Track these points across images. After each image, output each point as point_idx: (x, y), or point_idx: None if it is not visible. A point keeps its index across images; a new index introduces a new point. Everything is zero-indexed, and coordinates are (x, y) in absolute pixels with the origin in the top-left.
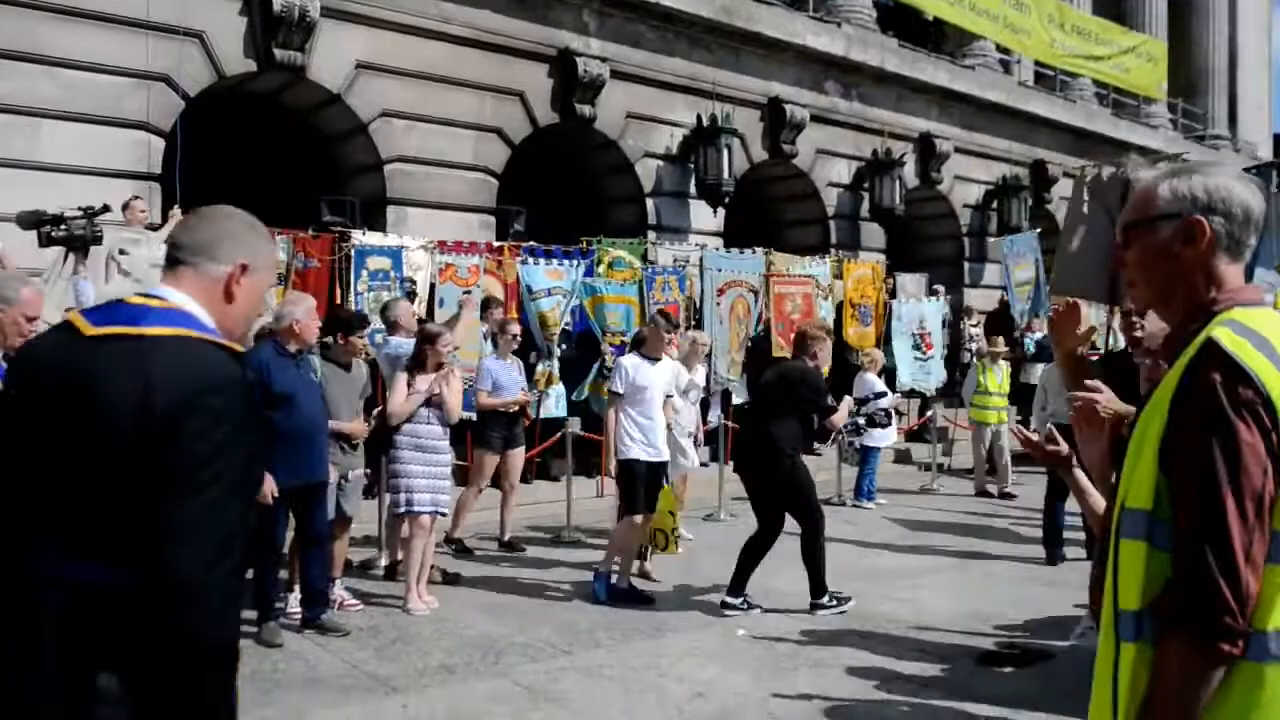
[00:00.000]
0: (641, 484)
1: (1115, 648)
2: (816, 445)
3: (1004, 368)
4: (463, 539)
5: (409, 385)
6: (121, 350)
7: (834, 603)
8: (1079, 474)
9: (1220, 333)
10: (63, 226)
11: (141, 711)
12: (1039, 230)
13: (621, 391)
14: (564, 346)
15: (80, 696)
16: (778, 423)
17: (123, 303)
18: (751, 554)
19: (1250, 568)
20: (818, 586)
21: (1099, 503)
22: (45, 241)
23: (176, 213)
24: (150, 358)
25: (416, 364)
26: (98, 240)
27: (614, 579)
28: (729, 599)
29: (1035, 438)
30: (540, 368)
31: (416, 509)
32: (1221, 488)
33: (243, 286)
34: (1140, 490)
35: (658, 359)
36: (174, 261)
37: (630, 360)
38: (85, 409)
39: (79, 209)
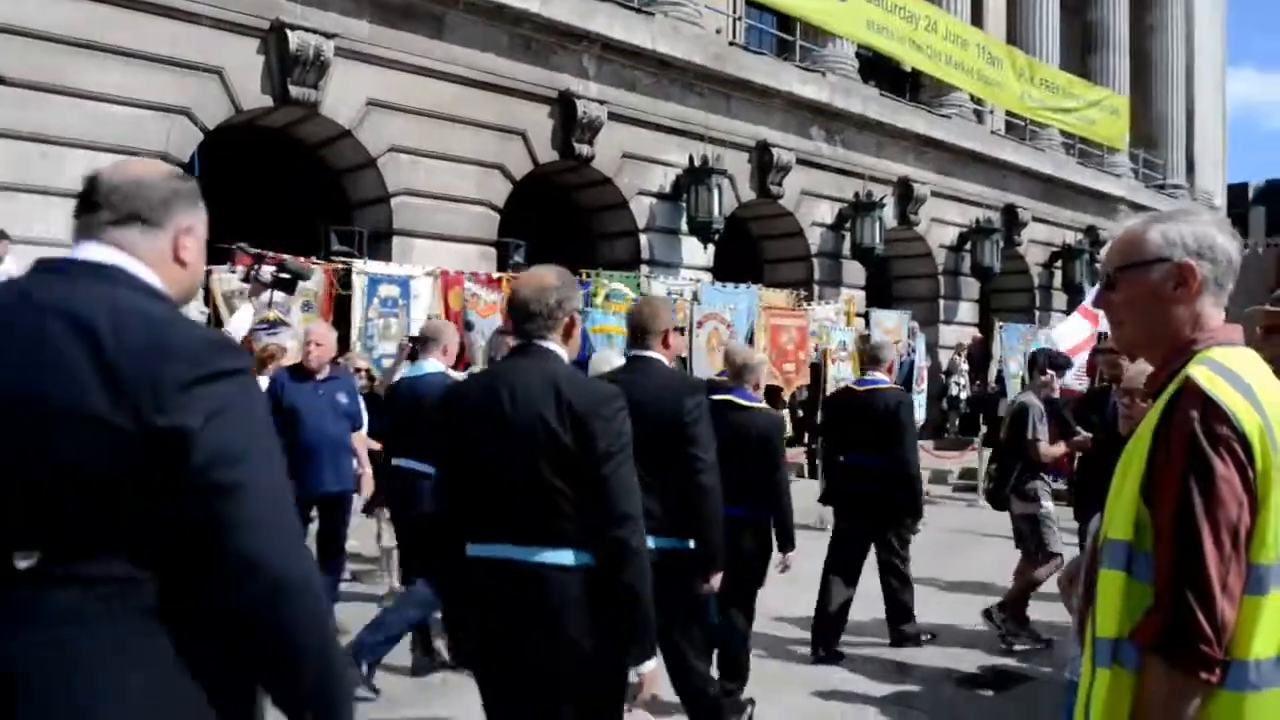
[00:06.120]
0: None
1: (1091, 674)
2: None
3: None
4: None
5: None
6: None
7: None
8: None
9: (1198, 371)
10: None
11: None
12: (1032, 325)
13: None
14: None
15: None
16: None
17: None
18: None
19: (1227, 598)
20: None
21: None
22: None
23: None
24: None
25: None
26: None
27: None
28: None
29: None
30: None
31: None
32: (1199, 520)
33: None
34: (1121, 522)
35: None
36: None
37: None
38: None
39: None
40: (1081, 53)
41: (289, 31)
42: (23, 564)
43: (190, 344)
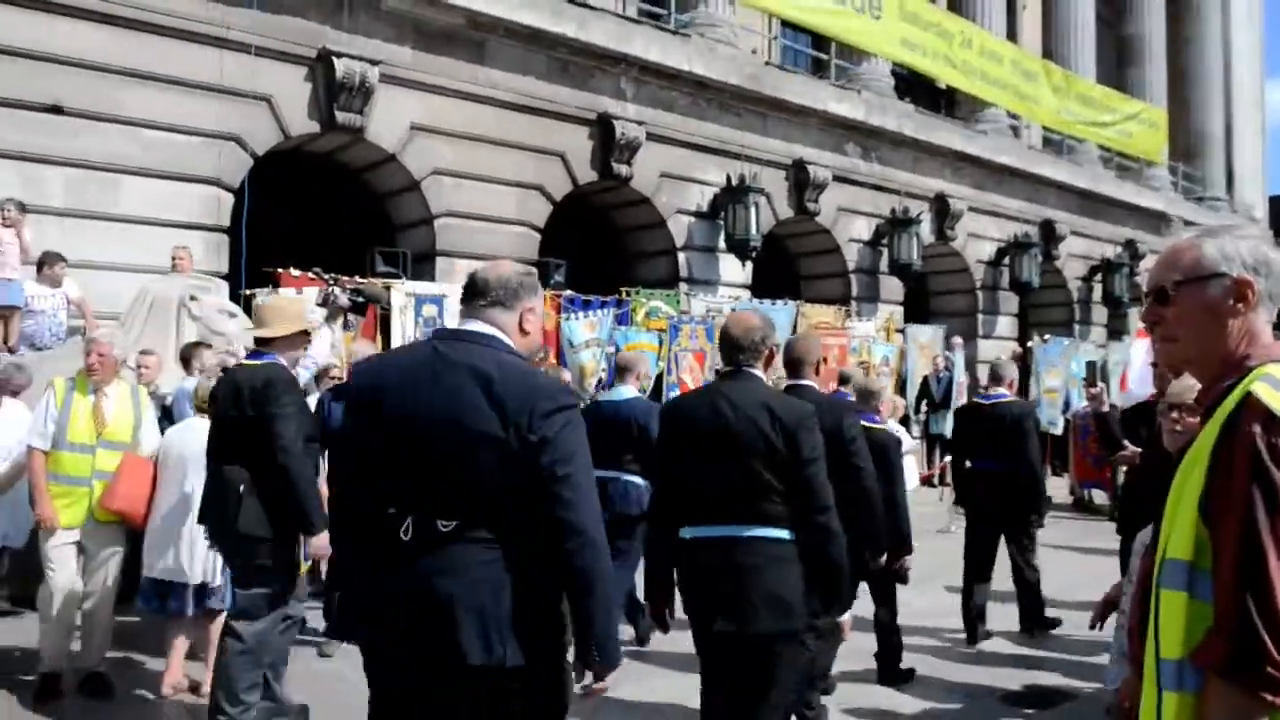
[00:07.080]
0: None
1: (1158, 696)
2: None
3: None
4: None
5: None
6: None
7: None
8: None
9: (1259, 387)
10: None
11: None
12: (1073, 339)
13: None
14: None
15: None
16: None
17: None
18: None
19: None
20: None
21: None
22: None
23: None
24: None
25: None
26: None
27: None
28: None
29: None
30: None
31: None
32: (1263, 538)
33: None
34: (1181, 541)
35: None
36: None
37: None
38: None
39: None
40: (1118, 66)
41: (335, 59)
42: (444, 528)
43: (548, 388)
